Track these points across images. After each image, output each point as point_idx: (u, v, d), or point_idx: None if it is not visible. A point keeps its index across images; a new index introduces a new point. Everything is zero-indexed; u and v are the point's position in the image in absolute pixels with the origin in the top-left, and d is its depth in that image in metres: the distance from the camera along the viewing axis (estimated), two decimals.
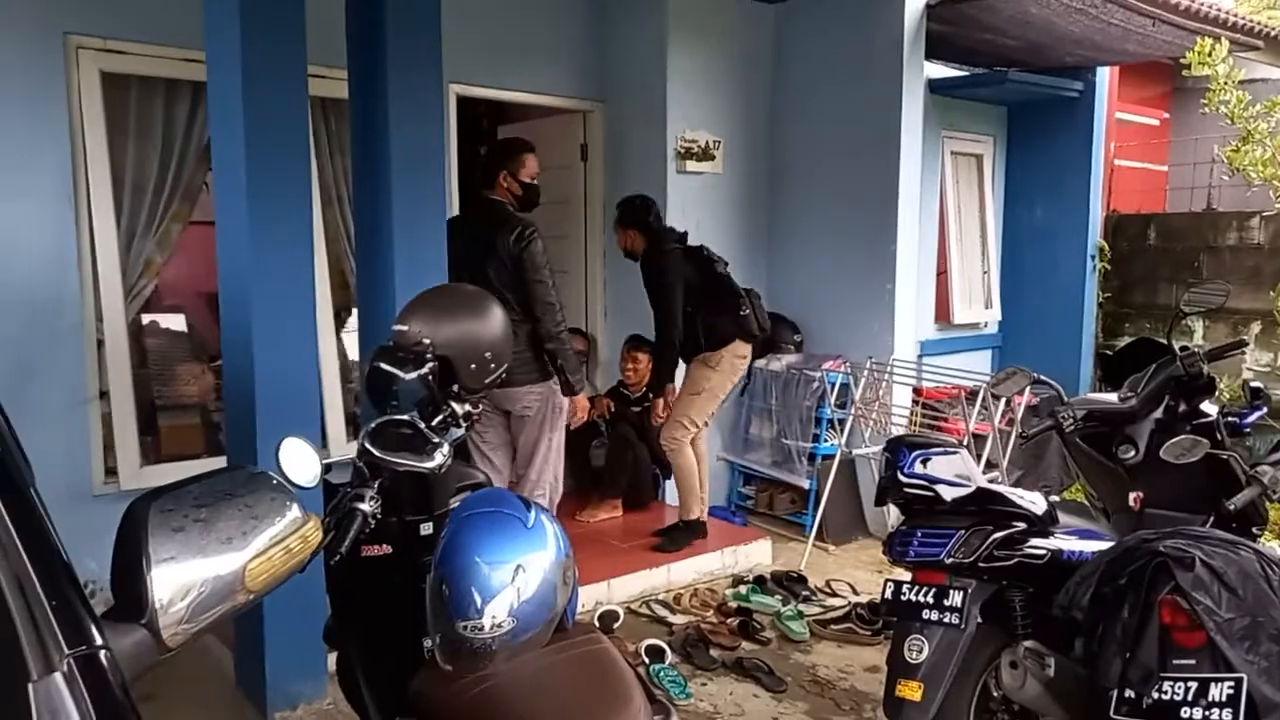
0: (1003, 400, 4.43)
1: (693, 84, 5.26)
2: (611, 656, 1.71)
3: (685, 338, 4.45)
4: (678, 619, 3.97)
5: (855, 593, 4.31)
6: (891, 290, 5.15)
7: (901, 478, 2.61)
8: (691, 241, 4.53)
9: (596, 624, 3.84)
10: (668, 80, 5.12)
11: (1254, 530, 2.86)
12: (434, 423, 2.16)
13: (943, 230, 6.72)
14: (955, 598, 2.50)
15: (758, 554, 4.69)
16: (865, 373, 4.91)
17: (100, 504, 3.70)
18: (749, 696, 3.38)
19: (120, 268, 3.89)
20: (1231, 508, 2.67)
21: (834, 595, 4.29)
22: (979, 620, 2.52)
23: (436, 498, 2.09)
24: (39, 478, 1.10)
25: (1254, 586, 2.12)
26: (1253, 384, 3.14)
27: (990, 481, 4.42)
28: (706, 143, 5.31)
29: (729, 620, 3.92)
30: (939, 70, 6.29)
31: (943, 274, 6.73)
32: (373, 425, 2.08)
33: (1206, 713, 2.07)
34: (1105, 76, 6.84)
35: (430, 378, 2.18)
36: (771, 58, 5.63)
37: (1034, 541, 2.57)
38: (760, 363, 5.47)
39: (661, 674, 3.40)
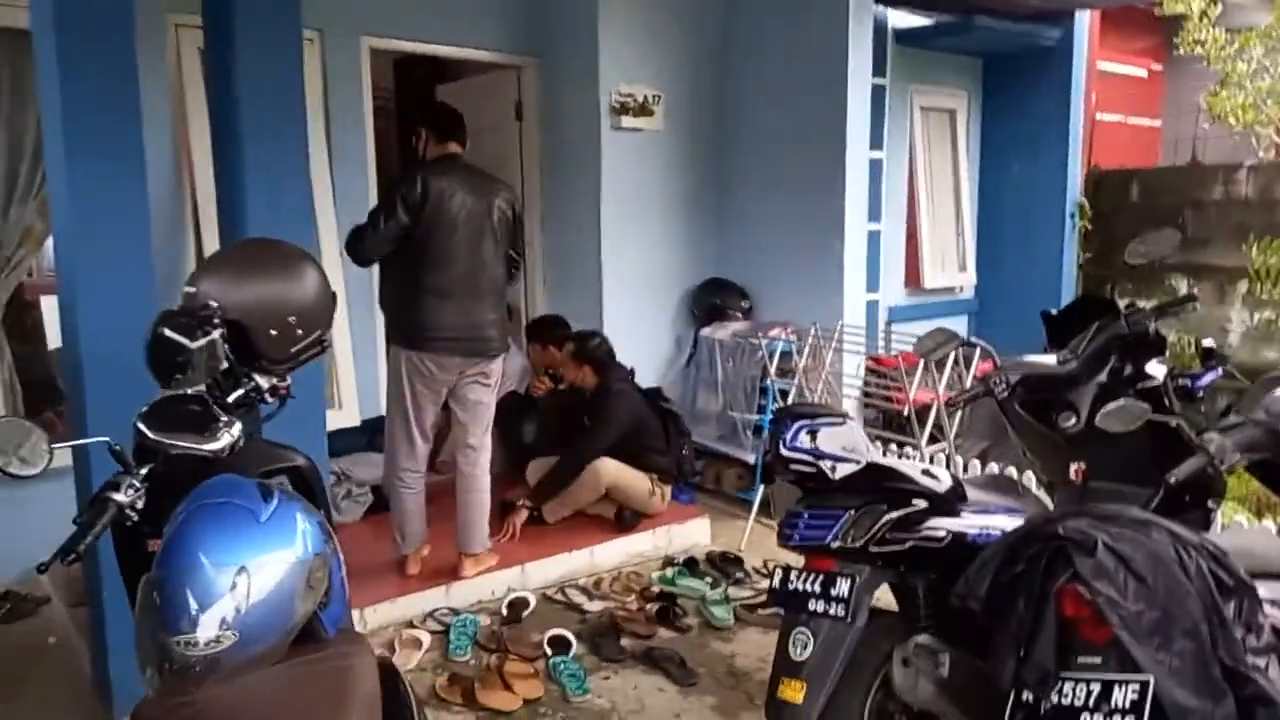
0: (947, 366, 4.11)
1: (630, 35, 4.91)
2: (350, 675, 1.42)
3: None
4: (594, 605, 3.68)
5: None
6: (840, 248, 4.81)
7: (784, 452, 2.31)
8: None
9: (505, 611, 3.57)
10: (599, 30, 4.78)
11: (1210, 504, 2.56)
12: (231, 399, 1.91)
13: (912, 190, 6.37)
14: (842, 586, 2.21)
15: (695, 533, 4.40)
16: (810, 340, 4.60)
17: None
18: (653, 690, 3.11)
19: None
20: (1172, 480, 2.37)
21: (769, 577, 3.99)
22: (872, 611, 2.24)
23: None
24: None
25: (1165, 573, 1.82)
26: (1205, 343, 2.84)
27: (935, 454, 4.14)
28: (645, 97, 4.98)
29: (647, 606, 3.64)
30: (906, 19, 5.91)
31: (912, 237, 6.39)
32: (152, 402, 1.83)
33: (1108, 719, 1.79)
34: (1084, 24, 6.44)
35: (222, 347, 1.92)
36: (720, 7, 5.27)
37: (933, 521, 2.27)
38: (706, 331, 5.17)
39: (561, 667, 3.13)
